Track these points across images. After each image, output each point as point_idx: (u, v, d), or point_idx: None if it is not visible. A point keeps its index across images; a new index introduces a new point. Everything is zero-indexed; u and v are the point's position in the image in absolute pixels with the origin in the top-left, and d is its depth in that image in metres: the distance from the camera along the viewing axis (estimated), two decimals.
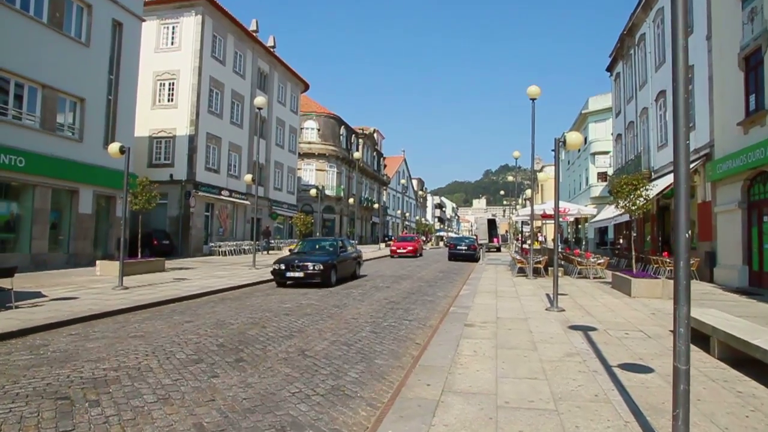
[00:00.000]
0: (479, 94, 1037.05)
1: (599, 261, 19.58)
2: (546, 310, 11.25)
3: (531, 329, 8.99)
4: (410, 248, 35.11)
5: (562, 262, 22.74)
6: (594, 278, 19.18)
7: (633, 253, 15.48)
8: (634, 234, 21.02)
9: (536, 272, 19.63)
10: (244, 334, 8.56)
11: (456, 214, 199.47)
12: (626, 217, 19.43)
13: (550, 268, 20.26)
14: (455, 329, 8.89)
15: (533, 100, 18.68)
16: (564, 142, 11.47)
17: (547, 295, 13.93)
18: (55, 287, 13.70)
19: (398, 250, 34.70)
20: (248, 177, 21.64)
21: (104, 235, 22.30)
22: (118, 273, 13.82)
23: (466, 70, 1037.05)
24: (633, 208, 14.81)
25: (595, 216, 26.51)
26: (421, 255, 37.57)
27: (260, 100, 21.30)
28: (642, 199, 14.92)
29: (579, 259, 19.52)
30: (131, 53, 23.14)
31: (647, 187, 15.11)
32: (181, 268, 20.71)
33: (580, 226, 48.69)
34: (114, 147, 14.00)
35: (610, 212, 23.02)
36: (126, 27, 22.71)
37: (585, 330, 8.94)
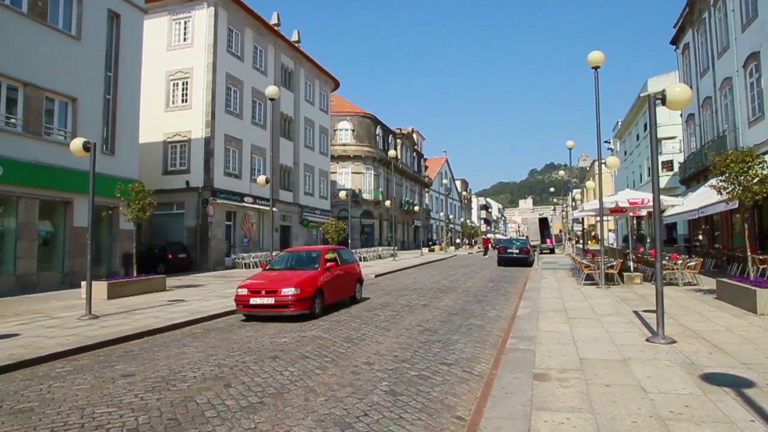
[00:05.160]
0: (521, 94, 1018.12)
1: (690, 263, 15.71)
2: (647, 341, 7.75)
3: (642, 384, 5.59)
4: (291, 294, 10.79)
5: (638, 265, 18.91)
6: (684, 285, 15.38)
7: (749, 253, 11.69)
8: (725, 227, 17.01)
9: (608, 279, 15.97)
10: (188, 404, 5.50)
11: (502, 215, 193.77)
12: (723, 206, 15.52)
13: (625, 274, 16.57)
14: (520, 387, 5.59)
15: (596, 68, 15.35)
16: (663, 100, 7.98)
17: (636, 313, 10.40)
18: (12, 318, 11.11)
19: (251, 300, 11.06)
20: (261, 178, 18.75)
21: (107, 250, 19.91)
22: (85, 298, 11.12)
23: (507, 70, 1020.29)
24: (747, 192, 11.10)
25: (673, 206, 22.28)
26: (320, 307, 11.56)
27: (272, 89, 18.43)
28: (757, 179, 11.21)
29: (664, 262, 15.72)
30: (132, 48, 20.74)
31: (765, 164, 11.35)
32: (189, 286, 18.05)
33: (643, 222, 43.99)
34: (77, 143, 11.41)
35: (700, 200, 18.99)
36: (124, 19, 20.33)
37: (734, 386, 5.46)
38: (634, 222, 41.01)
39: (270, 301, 10.81)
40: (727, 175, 11.56)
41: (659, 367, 6.26)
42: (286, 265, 12.90)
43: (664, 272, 15.60)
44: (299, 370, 6.85)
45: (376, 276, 22.43)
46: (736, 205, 14.42)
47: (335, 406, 5.34)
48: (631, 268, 17.60)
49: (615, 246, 43.18)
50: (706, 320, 9.44)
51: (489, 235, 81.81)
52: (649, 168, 41.28)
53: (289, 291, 10.77)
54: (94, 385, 6.26)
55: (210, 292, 15.97)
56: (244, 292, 11.15)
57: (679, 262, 15.81)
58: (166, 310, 12.11)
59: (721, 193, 12.03)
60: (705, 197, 19.47)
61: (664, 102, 7.97)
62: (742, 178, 11.34)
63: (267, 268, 13.13)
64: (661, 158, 38.70)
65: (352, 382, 6.23)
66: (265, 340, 8.92)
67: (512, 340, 8.03)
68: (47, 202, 17.44)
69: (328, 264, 12.22)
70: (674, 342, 7.62)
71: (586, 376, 5.98)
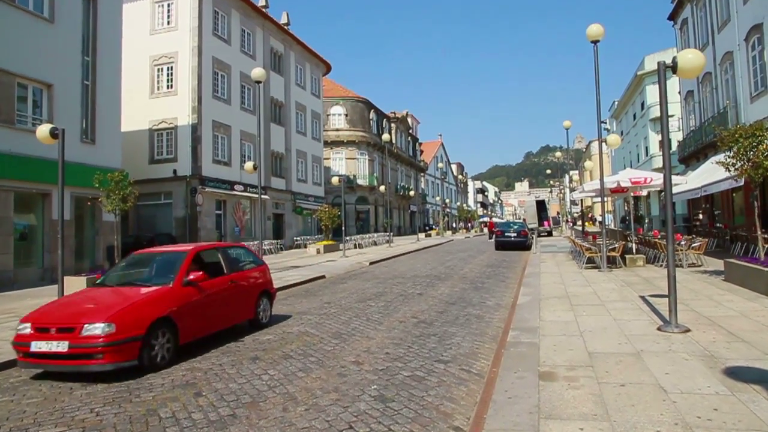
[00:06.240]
0: (516, 76, 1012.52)
1: (695, 244, 15.14)
2: (660, 330, 7.17)
3: (661, 382, 4.99)
4: (100, 335, 6.05)
5: (640, 247, 18.37)
6: (689, 266, 14.82)
7: (759, 232, 11.09)
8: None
9: (610, 262, 15.40)
10: (149, 418, 4.87)
11: (499, 199, 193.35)
12: (728, 184, 14.96)
13: (627, 256, 16.00)
14: (524, 389, 4.98)
15: (595, 42, 14.75)
16: (674, 68, 7.30)
17: (643, 298, 9.82)
18: None
19: (33, 346, 6.21)
20: (249, 165, 18.01)
21: (90, 243, 19.20)
22: (58, 296, 10.43)
23: (502, 52, 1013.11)
24: (758, 169, 10.47)
25: (675, 185, 21.61)
26: (166, 350, 6.81)
27: (258, 71, 17.69)
28: None
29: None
30: (110, 31, 19.83)
31: None
32: None
33: (640, 202, 43.53)
34: (43, 130, 10.60)
35: (702, 178, 18.39)
36: (102, 0, 19.42)
37: (763, 382, 4.88)
38: (632, 202, 40.50)
39: (61, 347, 6.01)
40: (735, 150, 10.93)
41: (677, 361, 5.67)
42: (130, 276, 8.21)
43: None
44: (280, 373, 6.23)
45: (371, 263, 21.82)
46: (742, 183, 13.86)
47: (316, 418, 4.73)
48: (634, 250, 17.04)
49: (613, 227, 42.63)
50: (718, 305, 8.87)
51: (492, 219, 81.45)
52: (647, 147, 40.69)
53: (95, 328, 6.03)
54: (47, 397, 5.62)
55: None
56: (26, 330, 6.36)
57: (683, 242, 15.23)
58: None
59: (729, 170, 11.41)
60: (707, 175, 18.89)
61: (675, 71, 7.29)
62: (752, 153, 10.72)
63: (98, 282, 8.20)
64: (659, 137, 38.05)
65: (337, 387, 5.62)
66: (246, 338, 8.30)
67: (513, 333, 7.43)
68: (23, 195, 16.70)
69: (192, 276, 7.40)
70: (688, 330, 7.04)
71: (598, 373, 5.39)
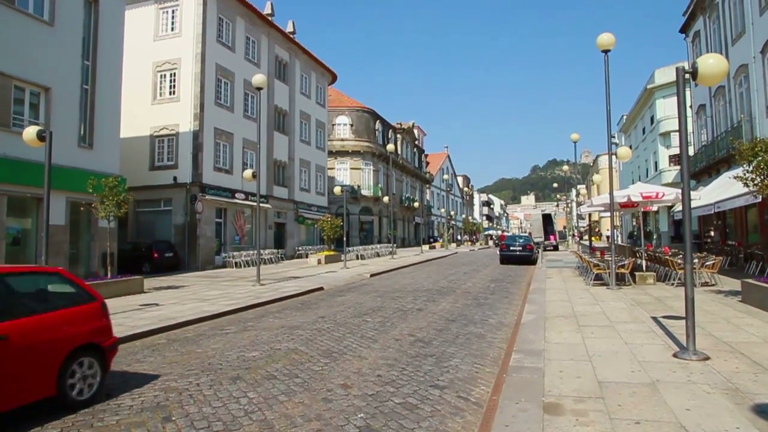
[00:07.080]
0: (524, 90, 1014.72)
1: (708, 262, 14.52)
2: (676, 357, 6.59)
3: (681, 420, 4.43)
4: None
5: (649, 264, 17.75)
6: (702, 286, 14.19)
7: None
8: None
9: (619, 279, 14.80)
10: None
11: (504, 212, 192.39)
12: (743, 201, 14.38)
13: (637, 274, 15.40)
14: (527, 425, 4.43)
15: (606, 52, 14.29)
16: (694, 74, 6.81)
17: (656, 320, 9.23)
18: None
19: None
20: (248, 173, 17.57)
21: (85, 250, 18.74)
22: None
23: (511, 66, 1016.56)
24: None
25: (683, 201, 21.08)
26: None
27: (259, 78, 17.35)
28: None
29: (679, 261, 14.52)
30: (111, 36, 19.52)
31: None
32: (169, 287, 16.91)
33: (648, 217, 42.77)
34: (30, 132, 10.21)
35: (715, 194, 17.78)
36: (103, 4, 19.09)
37: None
38: (641, 218, 39.81)
39: None
40: (755, 164, 10.37)
41: (698, 395, 5.10)
42: None
43: (678, 272, 14.38)
44: (261, 395, 5.70)
45: (372, 275, 21.26)
46: (760, 199, 13.26)
47: None
48: (643, 267, 16.43)
49: (620, 243, 41.89)
50: (738, 329, 8.27)
51: (491, 232, 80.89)
52: (656, 162, 40.01)
53: None
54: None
55: (190, 295, 14.83)
56: None
57: (696, 260, 14.60)
58: (133, 317, 10.98)
59: (747, 185, 10.84)
60: (720, 191, 18.31)
61: (695, 77, 6.82)
62: None
63: None
64: (669, 152, 37.46)
65: (320, 414, 5.08)
66: (232, 354, 7.77)
67: (516, 356, 6.87)
68: (17, 199, 16.29)
69: None
70: (708, 358, 6.46)
71: (609, 407, 4.83)
